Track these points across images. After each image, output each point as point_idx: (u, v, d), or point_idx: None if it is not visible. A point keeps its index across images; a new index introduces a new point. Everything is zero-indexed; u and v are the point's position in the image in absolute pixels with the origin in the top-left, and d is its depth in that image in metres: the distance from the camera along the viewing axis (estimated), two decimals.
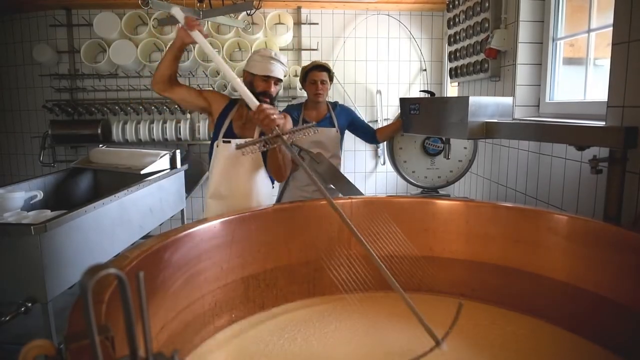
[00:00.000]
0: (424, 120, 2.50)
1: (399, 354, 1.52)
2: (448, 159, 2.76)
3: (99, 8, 4.11)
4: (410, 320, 1.74)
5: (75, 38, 4.22)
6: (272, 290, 1.84)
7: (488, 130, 2.19)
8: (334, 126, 2.86)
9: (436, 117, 2.39)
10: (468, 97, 2.18)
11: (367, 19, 4.31)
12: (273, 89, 2.13)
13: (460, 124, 2.21)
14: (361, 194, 2.88)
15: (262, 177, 2.26)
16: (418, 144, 2.87)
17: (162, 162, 3.60)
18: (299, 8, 4.22)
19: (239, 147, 1.76)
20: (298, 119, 2.87)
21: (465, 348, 1.55)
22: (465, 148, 2.88)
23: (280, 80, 2.16)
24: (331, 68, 2.86)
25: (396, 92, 4.46)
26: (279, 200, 3.05)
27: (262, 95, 2.08)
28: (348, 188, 2.82)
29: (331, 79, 2.86)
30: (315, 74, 2.79)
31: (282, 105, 3.92)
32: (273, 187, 2.37)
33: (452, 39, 3.57)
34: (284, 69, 2.15)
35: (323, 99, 2.84)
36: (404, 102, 2.66)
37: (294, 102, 4.16)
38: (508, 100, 2.31)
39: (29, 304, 2.06)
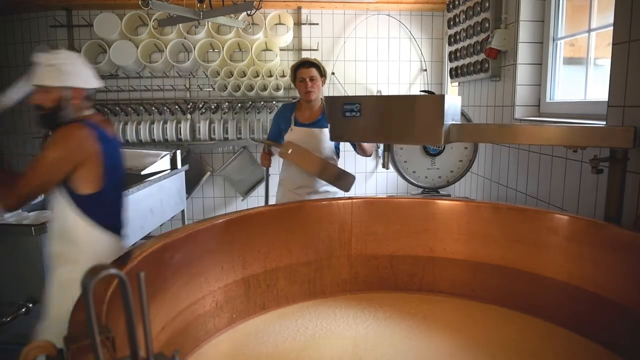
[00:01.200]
0: (369, 124, 2.01)
1: (399, 354, 1.52)
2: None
3: (99, 9, 4.11)
4: (410, 319, 1.74)
5: (76, 39, 4.22)
6: (272, 290, 1.84)
7: (452, 135, 1.95)
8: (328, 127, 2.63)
9: (390, 120, 1.97)
10: (443, 95, 1.92)
11: (367, 19, 4.31)
12: (37, 98, 1.75)
13: (432, 126, 1.90)
14: (346, 171, 2.73)
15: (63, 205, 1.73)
16: None
17: (163, 163, 3.61)
18: (299, 8, 4.22)
19: None
20: (290, 117, 2.75)
21: (465, 348, 1.55)
22: (465, 148, 2.88)
23: (42, 86, 1.73)
24: (321, 64, 2.69)
25: (397, 92, 4.46)
26: (266, 203, 3.00)
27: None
28: (328, 170, 2.66)
29: (323, 75, 2.68)
30: (303, 71, 2.62)
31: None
32: (115, 236, 1.82)
33: (452, 39, 3.57)
34: (46, 71, 1.72)
35: (315, 97, 2.68)
36: (333, 102, 2.08)
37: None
38: (457, 99, 2.10)
39: (30, 304, 2.06)
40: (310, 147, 2.68)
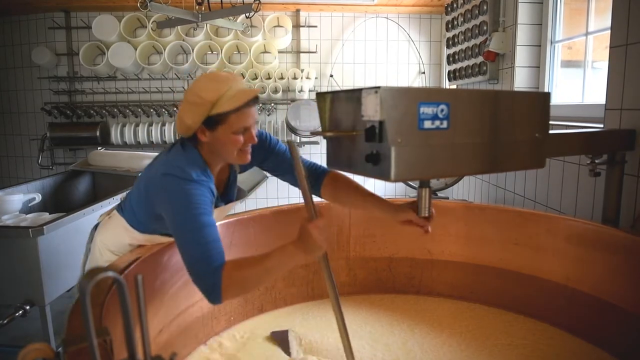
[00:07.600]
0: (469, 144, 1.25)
1: (397, 356, 1.52)
2: None
3: (97, 10, 4.11)
4: (408, 321, 1.74)
5: (74, 40, 4.21)
6: (270, 292, 1.83)
7: None
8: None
9: (499, 131, 1.29)
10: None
11: (365, 21, 4.32)
12: None
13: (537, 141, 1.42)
14: None
15: None
16: None
17: None
18: (297, 11, 4.22)
19: None
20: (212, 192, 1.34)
21: (462, 349, 1.55)
22: None
23: None
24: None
25: None
26: None
27: None
28: None
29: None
30: (248, 113, 1.31)
31: (282, 107, 3.91)
32: None
33: (450, 42, 3.58)
34: None
35: None
36: (396, 102, 1.08)
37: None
38: None
39: (27, 307, 2.05)
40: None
